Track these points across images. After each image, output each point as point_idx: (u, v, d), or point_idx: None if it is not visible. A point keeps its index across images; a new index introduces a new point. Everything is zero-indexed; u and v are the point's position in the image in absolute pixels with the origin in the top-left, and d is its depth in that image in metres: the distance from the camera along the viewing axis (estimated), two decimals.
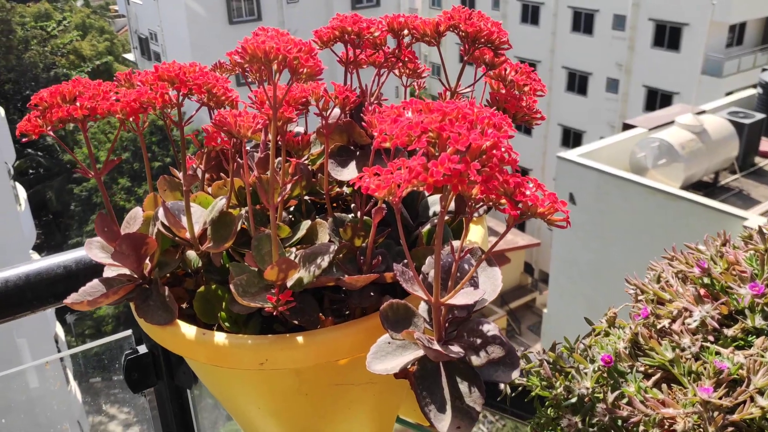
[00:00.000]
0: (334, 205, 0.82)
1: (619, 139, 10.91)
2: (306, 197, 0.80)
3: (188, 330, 0.67)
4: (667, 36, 16.31)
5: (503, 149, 0.47)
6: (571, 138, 18.37)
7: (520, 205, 0.49)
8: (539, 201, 0.49)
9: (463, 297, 0.55)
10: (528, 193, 0.49)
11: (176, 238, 0.71)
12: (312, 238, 0.71)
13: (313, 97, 0.69)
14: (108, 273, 0.73)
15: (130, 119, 0.65)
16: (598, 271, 9.65)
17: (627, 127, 11.63)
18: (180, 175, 0.77)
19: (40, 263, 0.94)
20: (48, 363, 1.25)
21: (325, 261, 0.63)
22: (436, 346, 0.54)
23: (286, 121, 0.67)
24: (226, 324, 0.69)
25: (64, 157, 16.69)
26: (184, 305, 0.74)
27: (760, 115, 10.74)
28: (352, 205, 0.80)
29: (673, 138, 10.11)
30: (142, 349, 1.04)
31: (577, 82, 18.39)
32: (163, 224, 0.70)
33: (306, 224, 0.71)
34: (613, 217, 9.45)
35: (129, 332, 1.11)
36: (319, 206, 0.83)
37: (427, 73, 0.86)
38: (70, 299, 0.68)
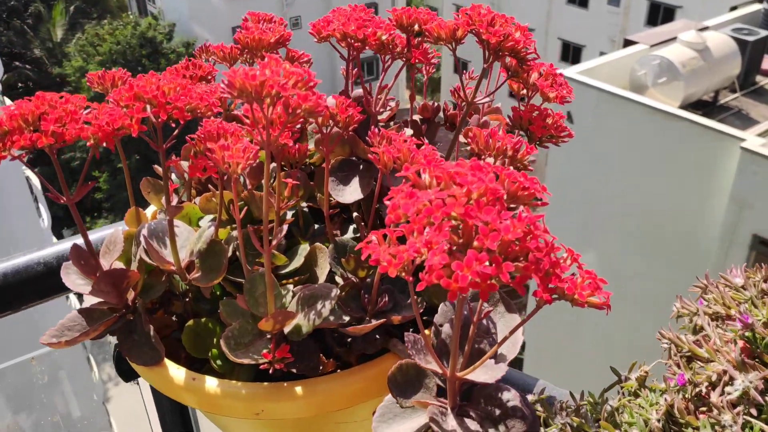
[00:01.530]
0: (332, 212, 0.75)
1: (620, 55, 10.62)
2: (303, 205, 0.73)
3: (177, 373, 0.62)
4: None
5: (539, 235, 0.40)
6: (571, 52, 17.93)
7: (553, 287, 0.43)
8: (577, 286, 0.42)
9: (483, 373, 0.49)
10: (564, 275, 0.42)
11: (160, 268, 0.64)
12: (311, 265, 0.65)
13: None
14: (87, 300, 0.66)
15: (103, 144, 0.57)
16: (593, 190, 9.61)
17: (628, 43, 11.30)
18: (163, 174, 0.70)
19: (18, 260, 0.88)
20: (34, 359, 1.20)
21: (326, 308, 0.57)
22: (452, 426, 0.49)
23: (281, 146, 0.59)
24: (218, 362, 0.63)
25: (53, 71, 16.23)
26: (171, 332, 0.69)
27: (764, 32, 10.46)
28: (354, 214, 0.73)
29: (675, 56, 9.86)
30: None
31: None
32: (146, 251, 0.64)
33: (304, 250, 0.65)
34: (610, 137, 9.33)
35: None
36: (317, 213, 0.76)
37: (437, 59, 0.77)
38: (46, 338, 0.62)
